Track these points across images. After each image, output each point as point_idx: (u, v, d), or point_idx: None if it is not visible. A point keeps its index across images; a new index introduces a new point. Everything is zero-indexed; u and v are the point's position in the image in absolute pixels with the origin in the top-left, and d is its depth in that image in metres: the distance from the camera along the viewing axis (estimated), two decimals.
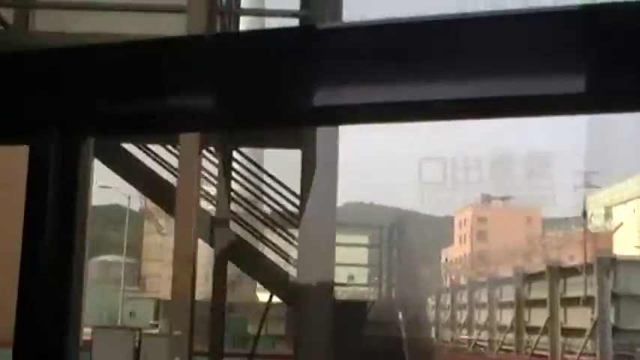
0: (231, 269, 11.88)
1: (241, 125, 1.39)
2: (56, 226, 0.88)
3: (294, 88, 0.82)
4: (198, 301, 8.02)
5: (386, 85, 0.80)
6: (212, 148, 11.12)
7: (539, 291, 21.67)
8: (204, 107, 0.87)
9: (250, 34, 0.86)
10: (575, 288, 19.57)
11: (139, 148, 11.41)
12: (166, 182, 11.01)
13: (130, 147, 11.00)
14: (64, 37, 7.73)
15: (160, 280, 32.98)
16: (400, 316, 13.77)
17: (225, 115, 0.87)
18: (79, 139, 0.90)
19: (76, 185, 0.89)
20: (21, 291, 0.88)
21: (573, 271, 19.88)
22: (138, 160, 11.03)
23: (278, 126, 0.90)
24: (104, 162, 10.75)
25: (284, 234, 12.23)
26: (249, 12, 10.13)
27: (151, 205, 29.80)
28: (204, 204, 11.56)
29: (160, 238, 33.35)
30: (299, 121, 1.02)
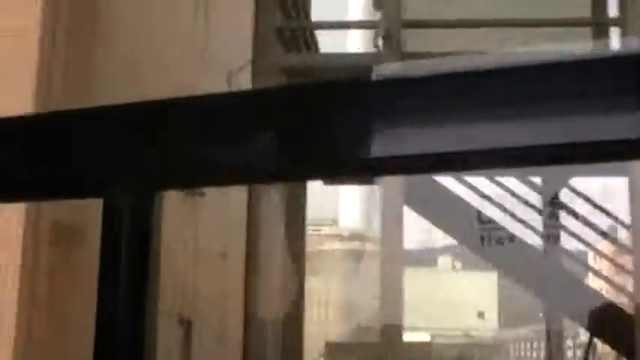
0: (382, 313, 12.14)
1: (298, 177, 1.45)
2: (130, 280, 0.91)
3: (349, 138, 0.85)
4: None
5: (442, 135, 0.83)
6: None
7: None
8: (262, 159, 0.90)
9: (305, 86, 0.89)
10: None
11: None
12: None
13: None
14: (433, 56, 8.12)
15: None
16: None
17: (281, 167, 0.90)
18: (151, 193, 0.94)
19: (149, 239, 0.93)
20: (97, 344, 0.91)
21: None
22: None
23: (334, 177, 0.94)
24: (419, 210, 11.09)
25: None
26: None
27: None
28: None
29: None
30: (355, 172, 1.04)
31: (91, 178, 0.96)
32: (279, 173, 0.97)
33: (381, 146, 0.83)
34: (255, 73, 9.68)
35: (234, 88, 15.30)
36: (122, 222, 0.91)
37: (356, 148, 0.85)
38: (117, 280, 0.90)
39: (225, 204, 14.49)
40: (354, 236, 40.96)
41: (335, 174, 0.94)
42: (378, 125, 0.84)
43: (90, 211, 8.08)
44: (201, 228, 12.09)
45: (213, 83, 13.98)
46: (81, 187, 0.99)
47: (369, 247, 38.39)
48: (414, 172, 0.92)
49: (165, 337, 10.93)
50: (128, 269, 0.91)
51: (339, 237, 41.39)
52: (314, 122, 0.86)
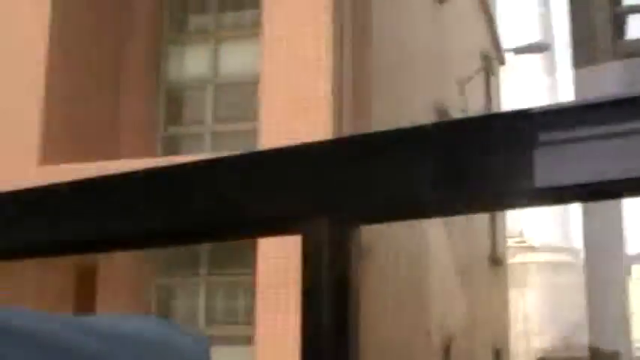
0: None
1: (454, 212, 1.35)
2: (332, 313, 0.91)
3: (507, 170, 0.85)
4: None
5: (604, 163, 0.81)
6: None
7: None
8: (417, 194, 0.90)
9: (460, 123, 0.90)
10: None
11: None
12: None
13: None
14: None
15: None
16: None
17: (436, 202, 0.91)
18: (349, 229, 0.94)
19: (348, 274, 0.93)
20: None
21: None
22: None
23: (488, 211, 0.94)
24: None
25: None
26: None
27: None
28: None
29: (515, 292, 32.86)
30: (514, 205, 1.10)
31: (290, 215, 0.96)
32: (441, 207, 0.97)
33: (541, 177, 0.82)
34: (582, 63, 9.39)
35: (468, 97, 15.42)
36: (321, 258, 0.92)
37: (516, 179, 0.84)
38: (320, 319, 0.90)
39: (470, 228, 14.45)
40: (546, 247, 40.31)
41: (497, 207, 1.02)
42: (536, 156, 0.83)
43: (379, 229, 8.33)
44: (450, 249, 12.04)
45: (450, 93, 14.13)
46: (279, 224, 1.00)
47: (564, 258, 37.65)
48: (576, 200, 0.91)
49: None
50: (329, 306, 0.91)
51: (532, 249, 41.11)
52: (477, 155, 0.86)
